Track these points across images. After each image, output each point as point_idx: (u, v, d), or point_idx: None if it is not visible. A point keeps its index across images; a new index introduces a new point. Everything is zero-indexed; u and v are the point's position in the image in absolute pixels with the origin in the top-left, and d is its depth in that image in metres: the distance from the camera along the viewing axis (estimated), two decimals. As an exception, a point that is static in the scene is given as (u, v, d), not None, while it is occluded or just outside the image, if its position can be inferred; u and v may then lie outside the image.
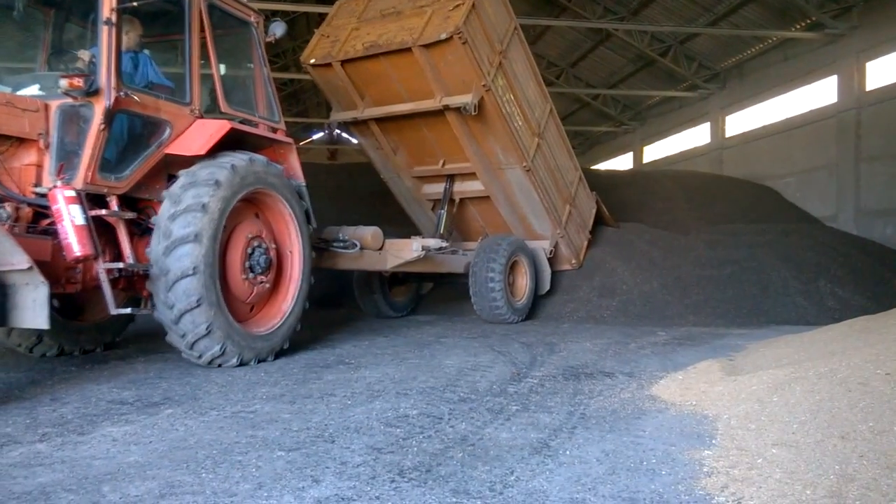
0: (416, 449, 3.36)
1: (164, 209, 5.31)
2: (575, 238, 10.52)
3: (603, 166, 28.36)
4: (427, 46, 8.20)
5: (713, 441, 3.42)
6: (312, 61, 9.12)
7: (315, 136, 33.03)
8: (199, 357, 5.36)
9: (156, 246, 5.22)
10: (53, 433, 3.62)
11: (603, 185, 16.36)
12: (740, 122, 21.75)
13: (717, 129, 22.70)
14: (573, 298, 10.04)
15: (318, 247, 7.83)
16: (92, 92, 4.98)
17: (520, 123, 9.16)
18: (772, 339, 6.67)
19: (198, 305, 5.17)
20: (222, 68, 6.33)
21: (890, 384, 3.56)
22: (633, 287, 10.21)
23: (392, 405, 4.27)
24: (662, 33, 20.41)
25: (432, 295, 11.01)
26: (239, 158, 5.73)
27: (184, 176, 5.44)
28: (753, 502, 2.63)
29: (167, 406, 4.24)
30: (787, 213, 16.22)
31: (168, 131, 5.61)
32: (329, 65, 8.95)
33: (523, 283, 9.48)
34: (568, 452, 3.31)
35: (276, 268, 6.20)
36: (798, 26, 17.97)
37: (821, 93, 18.16)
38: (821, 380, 3.86)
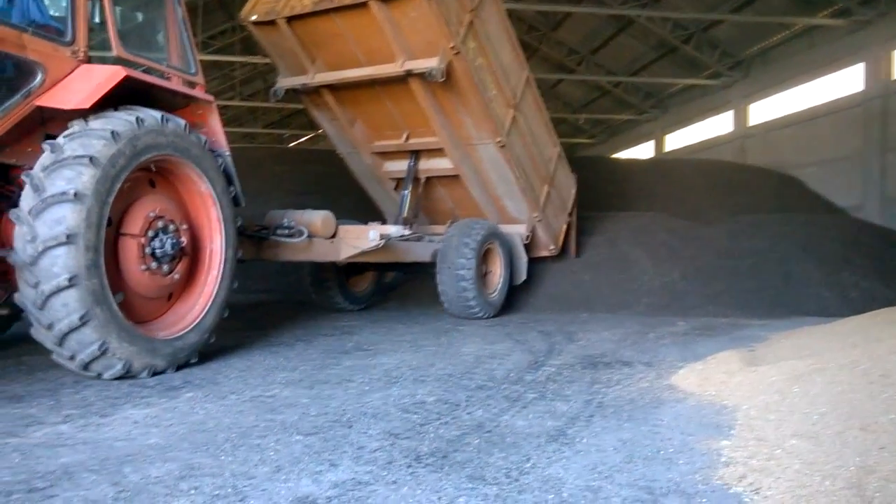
0: (432, 435, 3.37)
1: (42, 161, 4.22)
2: (553, 221, 9.58)
3: (624, 155, 28.21)
4: (386, 1, 7.17)
5: (732, 431, 3.40)
6: (254, 18, 7.84)
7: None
8: (72, 358, 4.25)
9: (23, 205, 4.10)
10: (76, 415, 3.68)
11: (623, 173, 16.31)
12: (764, 110, 21.49)
13: (740, 118, 22.44)
14: (591, 288, 9.99)
15: (258, 235, 6.93)
16: None
17: (493, 93, 8.12)
18: (793, 330, 6.60)
19: (70, 286, 4.04)
20: (140, 15, 5.32)
21: (913, 376, 3.51)
22: (652, 277, 10.13)
23: (409, 391, 4.29)
24: (685, 20, 20.19)
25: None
26: (147, 113, 4.63)
27: (76, 124, 4.40)
28: (772, 493, 2.61)
29: (187, 390, 4.29)
30: (811, 203, 16.01)
31: (40, 77, 4.41)
32: (273, 22, 7.71)
33: (497, 273, 8.55)
34: (585, 440, 3.31)
35: (190, 256, 5.12)
36: (824, 13, 17.68)
37: (847, 81, 17.88)
38: (842, 371, 3.81)
